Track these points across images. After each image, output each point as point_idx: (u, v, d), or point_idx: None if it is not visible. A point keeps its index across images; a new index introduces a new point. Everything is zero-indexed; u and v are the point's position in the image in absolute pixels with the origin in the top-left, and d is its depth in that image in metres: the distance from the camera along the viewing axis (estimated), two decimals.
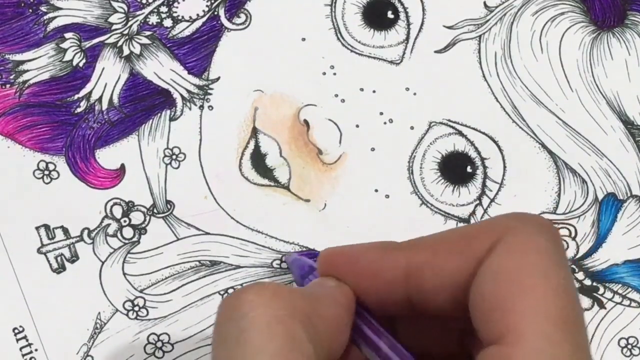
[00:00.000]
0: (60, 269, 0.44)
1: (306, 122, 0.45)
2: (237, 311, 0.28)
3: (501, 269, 0.28)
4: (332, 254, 0.33)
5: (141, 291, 0.44)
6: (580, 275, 0.45)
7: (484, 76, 0.46)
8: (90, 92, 0.45)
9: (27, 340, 0.43)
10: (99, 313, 0.44)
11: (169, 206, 0.44)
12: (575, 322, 0.27)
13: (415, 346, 0.32)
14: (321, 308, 0.30)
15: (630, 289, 0.45)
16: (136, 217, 0.44)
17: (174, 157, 0.45)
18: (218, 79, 0.45)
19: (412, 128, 0.45)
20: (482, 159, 0.45)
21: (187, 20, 0.45)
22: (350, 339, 0.31)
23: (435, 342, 0.33)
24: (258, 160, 0.45)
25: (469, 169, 0.45)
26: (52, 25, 0.45)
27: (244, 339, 0.27)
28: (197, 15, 0.46)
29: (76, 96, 0.45)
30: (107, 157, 0.45)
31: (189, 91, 0.45)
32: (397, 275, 0.30)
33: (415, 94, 0.46)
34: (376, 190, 0.45)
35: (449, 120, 0.46)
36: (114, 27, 0.45)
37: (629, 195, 0.46)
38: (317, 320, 0.29)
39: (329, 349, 0.29)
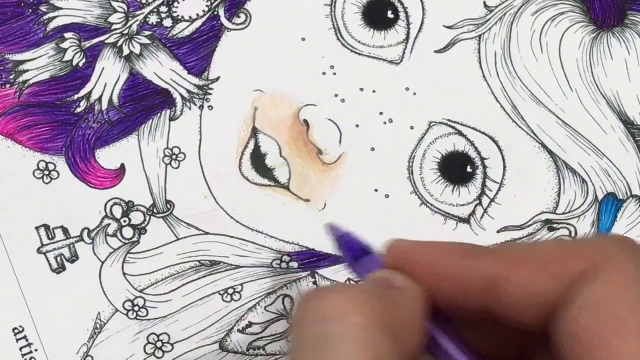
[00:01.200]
0: (60, 269, 0.44)
1: (306, 122, 0.45)
2: (321, 316, 0.27)
3: (603, 300, 0.27)
4: (407, 249, 0.30)
5: (141, 291, 0.44)
6: None
7: (484, 76, 0.46)
8: (90, 92, 0.45)
9: (27, 340, 0.43)
10: (99, 313, 0.44)
11: (169, 206, 0.44)
12: None
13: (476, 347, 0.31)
14: (401, 317, 0.28)
15: None
16: (136, 217, 0.44)
17: (174, 157, 0.45)
18: (218, 79, 0.45)
19: (412, 128, 0.45)
20: (482, 159, 0.45)
21: (187, 20, 0.45)
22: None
23: (494, 346, 0.32)
24: (258, 160, 0.45)
25: (469, 169, 0.45)
26: (52, 25, 0.45)
27: (331, 348, 0.26)
28: (197, 15, 0.46)
29: (76, 96, 0.45)
30: (107, 157, 0.45)
31: (189, 91, 0.45)
32: (479, 283, 0.29)
33: (415, 94, 0.46)
34: (376, 190, 0.45)
35: (449, 120, 0.46)
36: (114, 27, 0.45)
37: (629, 195, 0.46)
38: (399, 329, 0.27)
39: (408, 355, 0.28)
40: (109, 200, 0.44)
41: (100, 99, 0.45)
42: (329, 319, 0.26)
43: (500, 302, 0.29)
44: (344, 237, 0.35)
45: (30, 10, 0.45)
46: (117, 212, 0.44)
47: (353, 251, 0.34)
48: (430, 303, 0.30)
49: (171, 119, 0.45)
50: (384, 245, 0.31)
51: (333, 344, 0.26)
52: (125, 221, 0.44)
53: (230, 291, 0.44)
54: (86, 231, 0.44)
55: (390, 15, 0.46)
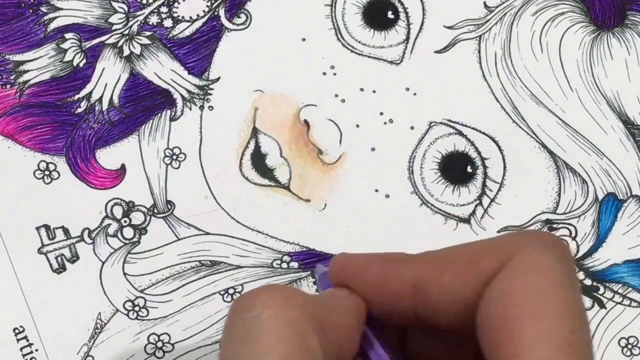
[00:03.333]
0: (61, 269, 0.44)
1: (306, 122, 0.45)
2: (248, 310, 0.27)
3: (508, 291, 0.28)
4: (343, 261, 0.32)
5: (141, 291, 0.44)
6: (580, 275, 0.45)
7: (484, 76, 0.46)
8: (90, 93, 0.45)
9: (27, 340, 0.43)
10: (100, 313, 0.44)
11: (169, 206, 0.45)
12: (580, 346, 0.27)
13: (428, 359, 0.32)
14: (334, 315, 0.29)
15: (630, 289, 0.45)
16: (136, 217, 0.44)
17: (174, 157, 0.45)
18: (218, 79, 0.45)
19: (412, 128, 0.45)
20: (482, 159, 0.45)
21: (187, 21, 0.46)
22: (358, 350, 0.31)
23: (449, 357, 0.33)
24: (258, 160, 0.45)
25: (469, 169, 0.45)
26: (52, 26, 0.45)
27: (253, 338, 0.26)
28: (197, 15, 0.46)
29: (76, 96, 0.45)
30: (108, 157, 0.45)
31: (189, 91, 0.45)
32: (403, 288, 0.30)
33: (415, 94, 0.46)
34: (376, 190, 0.45)
35: (449, 120, 0.46)
36: (114, 27, 0.45)
37: (629, 195, 0.46)
38: (329, 327, 0.28)
39: (338, 357, 0.29)
40: (110, 201, 0.44)
41: (100, 99, 0.45)
42: (255, 313, 0.27)
43: (426, 305, 0.30)
44: (325, 274, 0.37)
45: (31, 11, 0.45)
46: (118, 212, 0.44)
47: (325, 285, 0.36)
48: (366, 311, 0.31)
49: (171, 119, 0.45)
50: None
51: (255, 333, 0.27)
52: (125, 221, 0.44)
53: (231, 291, 0.44)
54: (86, 231, 0.44)
55: (390, 15, 0.46)
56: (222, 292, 0.44)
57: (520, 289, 0.28)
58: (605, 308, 0.45)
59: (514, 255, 0.28)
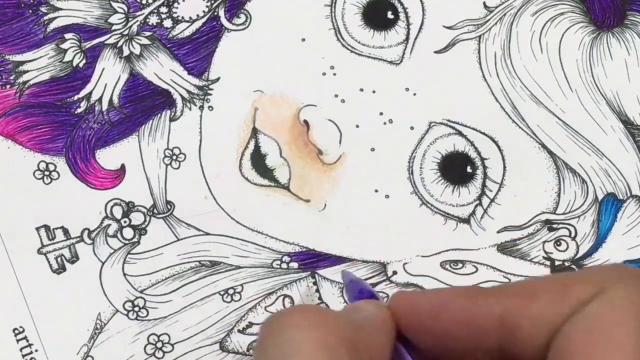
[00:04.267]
0: (61, 269, 0.44)
1: (306, 122, 0.45)
2: (282, 334, 0.27)
3: (595, 320, 0.27)
4: (411, 300, 0.31)
5: (141, 291, 0.44)
6: None
7: (483, 76, 0.46)
8: (90, 93, 0.45)
9: (27, 341, 0.43)
10: (99, 313, 0.44)
11: (169, 206, 0.44)
12: None
13: None
14: (365, 334, 0.29)
15: None
16: (136, 218, 0.44)
17: (174, 157, 0.45)
18: (218, 79, 0.45)
19: (412, 128, 0.45)
20: (482, 159, 0.45)
21: (187, 21, 0.46)
22: None
23: None
24: (258, 160, 0.45)
25: (469, 169, 0.45)
26: (52, 26, 0.45)
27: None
28: (197, 15, 0.46)
29: (76, 97, 0.45)
30: (107, 157, 0.45)
31: (189, 91, 0.45)
32: (491, 321, 0.29)
33: (415, 94, 0.46)
34: (376, 191, 0.45)
35: (449, 121, 0.46)
36: (114, 27, 0.45)
37: (628, 195, 0.46)
38: (362, 346, 0.28)
39: None
40: (109, 201, 0.44)
41: (100, 100, 0.45)
42: (288, 337, 0.27)
43: (513, 336, 0.29)
44: (353, 283, 0.37)
45: (30, 11, 0.45)
46: (117, 212, 0.44)
47: (362, 294, 0.35)
48: (398, 329, 0.30)
49: (171, 120, 0.45)
50: (390, 296, 0.32)
51: (291, 356, 0.26)
52: (125, 221, 0.44)
53: (231, 291, 0.44)
54: (86, 232, 0.44)
55: (390, 15, 0.46)
56: (222, 293, 0.44)
57: (607, 320, 0.27)
58: None
59: (607, 286, 0.28)
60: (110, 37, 0.45)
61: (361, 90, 0.46)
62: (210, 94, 0.45)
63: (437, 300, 0.31)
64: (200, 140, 0.45)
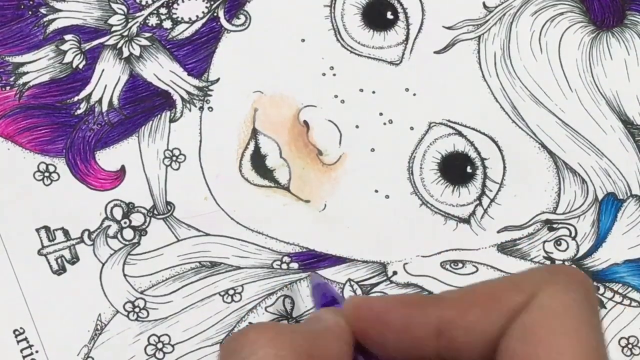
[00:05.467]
0: (61, 270, 0.44)
1: (306, 123, 0.45)
2: (239, 352, 0.28)
3: (530, 328, 0.28)
4: (360, 305, 0.32)
5: (142, 292, 0.44)
6: None
7: (483, 76, 0.46)
8: (90, 94, 0.45)
9: (27, 342, 0.43)
10: (100, 314, 0.44)
11: (169, 207, 0.45)
12: None
13: None
14: (323, 346, 0.29)
15: (630, 289, 0.45)
16: (136, 219, 0.44)
17: (174, 158, 0.45)
18: (218, 80, 0.45)
19: (411, 128, 0.46)
20: (482, 159, 0.45)
21: (187, 22, 0.46)
22: None
23: None
24: (258, 161, 0.45)
25: (469, 169, 0.45)
26: (51, 27, 0.45)
27: None
28: (197, 16, 0.46)
29: (76, 98, 0.45)
30: (107, 158, 0.45)
31: (188, 92, 0.45)
32: (428, 331, 0.30)
33: (414, 94, 0.46)
34: (376, 191, 0.45)
35: (449, 121, 0.46)
36: (114, 28, 0.45)
37: (628, 194, 0.46)
38: (319, 358, 0.28)
39: None
40: (109, 202, 0.44)
41: (100, 101, 0.45)
42: (245, 355, 0.27)
43: (450, 347, 0.30)
44: (317, 287, 0.38)
45: (30, 12, 0.45)
46: (118, 213, 0.44)
47: (325, 298, 0.37)
48: (355, 339, 0.31)
49: (171, 121, 0.45)
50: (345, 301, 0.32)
51: None
52: (125, 222, 0.44)
53: (231, 292, 0.44)
54: (86, 232, 0.44)
55: (389, 16, 0.46)
56: (222, 293, 0.44)
57: (543, 328, 0.27)
58: (606, 308, 0.45)
59: (538, 292, 0.28)
60: (110, 38, 0.45)
61: (361, 90, 0.46)
62: (210, 95, 0.45)
63: (379, 307, 0.31)
64: (200, 141, 0.45)
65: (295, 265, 0.45)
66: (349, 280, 0.45)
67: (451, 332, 0.29)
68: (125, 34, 0.45)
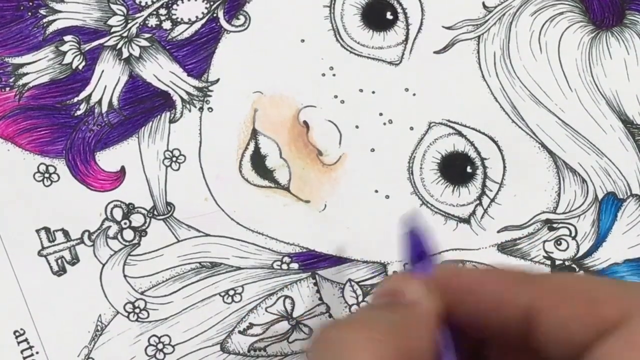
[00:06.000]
0: (61, 271, 0.44)
1: (306, 123, 0.45)
2: (335, 354, 0.28)
3: (614, 356, 0.27)
4: (453, 276, 0.31)
5: (142, 293, 0.44)
6: None
7: (483, 76, 0.46)
8: (89, 95, 0.45)
9: (28, 343, 0.43)
10: (100, 315, 0.44)
11: (169, 208, 0.45)
12: None
13: None
14: (415, 340, 0.29)
15: None
16: (136, 219, 0.44)
17: (174, 159, 0.45)
18: (217, 80, 0.45)
19: (411, 128, 0.46)
20: (482, 159, 0.45)
21: (186, 23, 0.46)
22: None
23: None
24: (258, 161, 0.45)
25: (469, 169, 0.45)
26: (51, 28, 0.45)
27: None
28: (196, 17, 0.46)
29: (76, 99, 0.45)
30: (107, 159, 0.45)
31: (188, 93, 0.45)
32: (517, 312, 0.29)
33: (414, 94, 0.46)
34: (376, 191, 0.45)
35: (449, 121, 0.46)
36: (113, 29, 0.45)
37: (628, 194, 0.46)
38: (411, 351, 0.28)
39: None
40: (109, 203, 0.44)
41: (100, 102, 0.45)
42: (342, 358, 0.28)
43: (534, 332, 0.29)
44: (412, 233, 0.35)
45: (30, 13, 0.45)
46: (118, 214, 0.44)
47: (417, 249, 0.35)
48: (443, 315, 0.30)
49: (171, 121, 0.45)
50: (436, 264, 0.32)
51: None
52: (125, 223, 0.44)
53: (231, 292, 0.44)
54: (87, 233, 0.44)
55: (389, 16, 0.46)
56: (222, 294, 0.44)
57: (629, 357, 0.27)
58: None
59: (633, 314, 0.28)
60: (110, 39, 0.45)
61: (361, 90, 0.46)
62: (209, 96, 0.45)
63: (472, 280, 0.31)
64: (200, 142, 0.45)
65: (295, 265, 0.45)
66: (349, 280, 0.45)
67: (539, 321, 0.29)
68: (125, 34, 0.45)
